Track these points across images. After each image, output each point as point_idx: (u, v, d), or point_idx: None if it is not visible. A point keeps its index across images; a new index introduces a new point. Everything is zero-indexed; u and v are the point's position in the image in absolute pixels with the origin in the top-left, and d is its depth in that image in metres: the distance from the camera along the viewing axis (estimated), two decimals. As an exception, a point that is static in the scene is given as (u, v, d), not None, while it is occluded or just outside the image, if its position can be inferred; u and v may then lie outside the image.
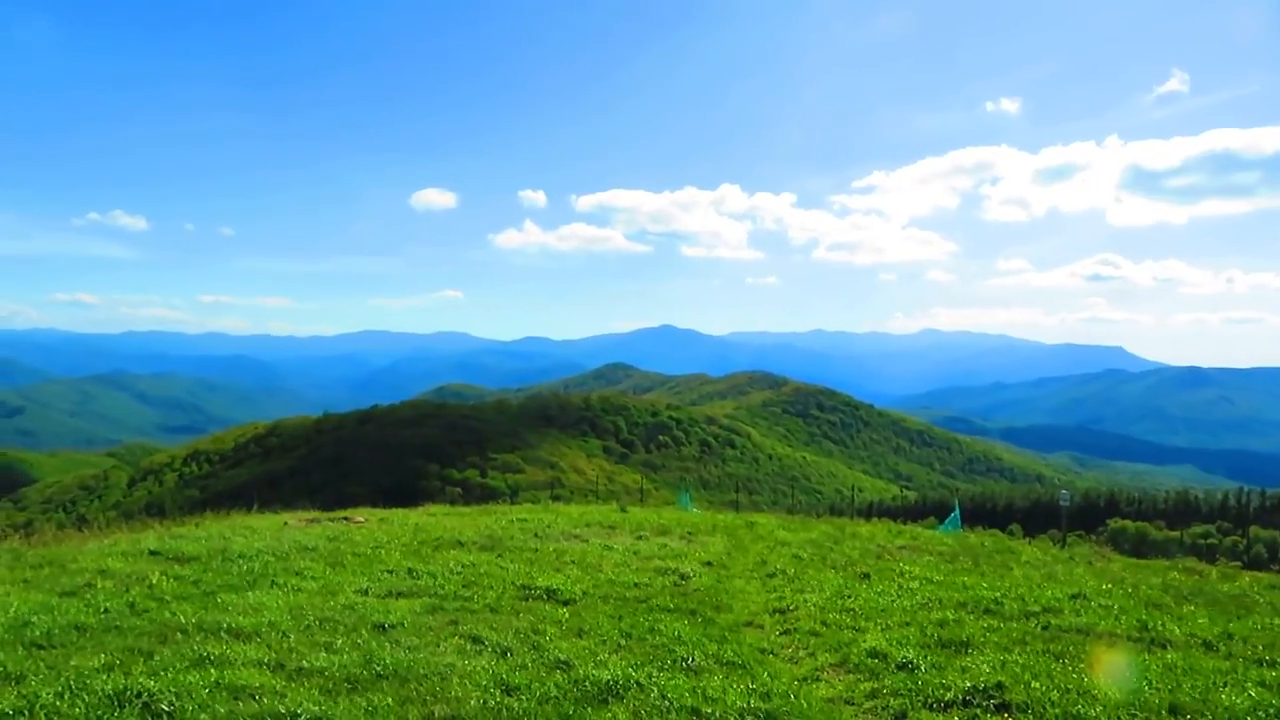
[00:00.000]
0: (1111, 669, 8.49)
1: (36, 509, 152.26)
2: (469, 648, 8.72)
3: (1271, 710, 7.25)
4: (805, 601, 11.84)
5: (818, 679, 8.54)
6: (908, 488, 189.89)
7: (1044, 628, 10.43)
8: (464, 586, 11.66)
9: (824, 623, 10.62)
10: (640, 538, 17.56)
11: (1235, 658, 9.24)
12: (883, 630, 10.12)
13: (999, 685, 7.78)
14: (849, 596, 12.18)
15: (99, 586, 10.94)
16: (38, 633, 8.65)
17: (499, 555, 14.52)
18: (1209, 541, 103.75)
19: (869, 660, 8.86)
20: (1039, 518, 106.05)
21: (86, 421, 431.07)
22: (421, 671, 7.79)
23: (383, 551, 14.34)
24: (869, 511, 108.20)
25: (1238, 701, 7.43)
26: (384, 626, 9.28)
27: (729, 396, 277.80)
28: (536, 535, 17.17)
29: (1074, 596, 12.31)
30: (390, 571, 12.52)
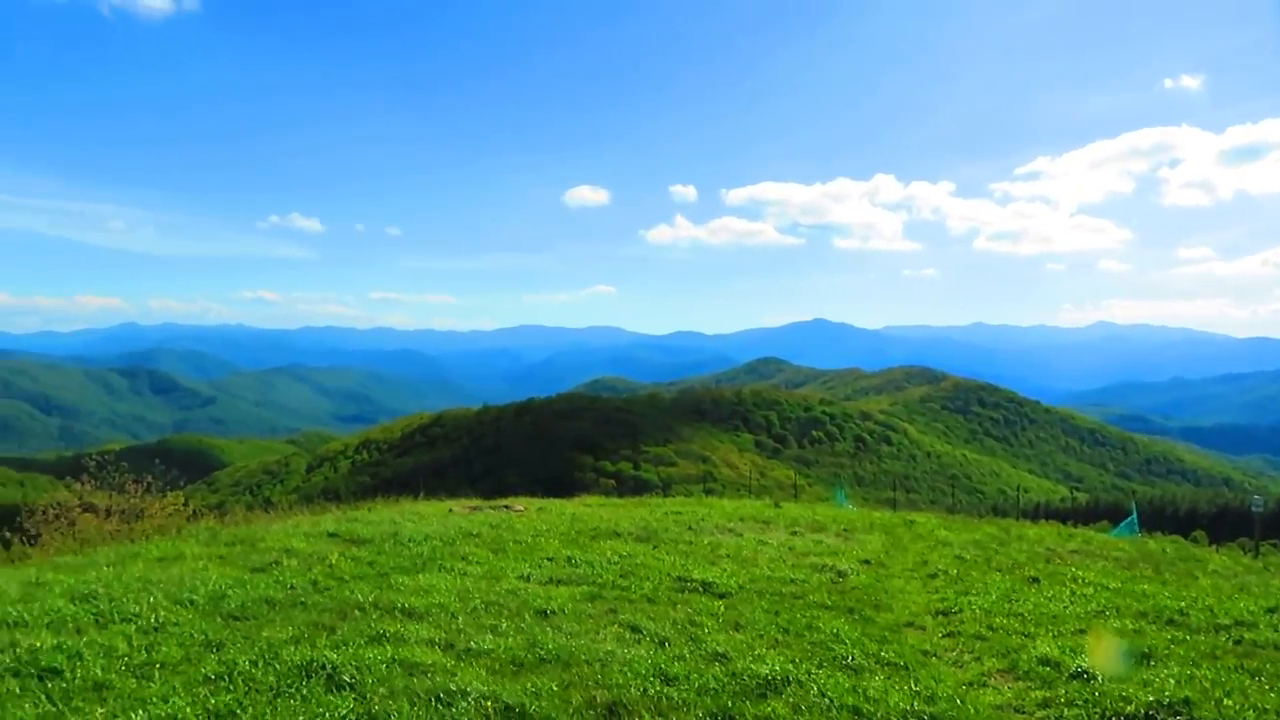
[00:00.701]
0: (1316, 690, 7.82)
1: (227, 491, 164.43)
2: (628, 636, 8.87)
3: None
4: (970, 604, 11.43)
5: (984, 684, 8.23)
6: (1078, 489, 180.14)
7: (1236, 642, 9.71)
8: (621, 576, 11.85)
9: (990, 627, 10.22)
10: (795, 533, 17.38)
11: None
12: (1054, 637, 9.66)
13: (1186, 701, 7.30)
14: (1017, 600, 11.68)
15: (285, 564, 11.74)
16: (233, 605, 9.37)
17: (654, 547, 14.67)
18: None
19: (1040, 668, 8.47)
20: (1227, 525, 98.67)
21: (269, 411, 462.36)
22: (583, 657, 7.98)
23: (542, 539, 14.75)
24: (1035, 513, 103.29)
25: None
26: (545, 612, 9.56)
27: (884, 392, 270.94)
28: (690, 528, 17.24)
29: (1271, 610, 11.38)
30: (550, 559, 12.87)
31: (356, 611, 9.28)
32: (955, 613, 11.02)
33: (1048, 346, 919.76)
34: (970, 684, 8.21)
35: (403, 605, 9.52)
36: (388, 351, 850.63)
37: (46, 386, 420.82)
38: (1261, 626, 10.44)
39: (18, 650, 7.53)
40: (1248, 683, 7.98)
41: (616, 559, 13.14)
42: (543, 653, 8.06)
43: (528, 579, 11.45)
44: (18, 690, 6.73)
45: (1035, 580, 13.35)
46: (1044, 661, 8.62)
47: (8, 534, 17.15)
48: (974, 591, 12.32)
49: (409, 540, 13.86)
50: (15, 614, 8.73)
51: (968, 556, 15.57)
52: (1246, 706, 7.25)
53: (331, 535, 14.27)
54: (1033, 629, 10.11)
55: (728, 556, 14.15)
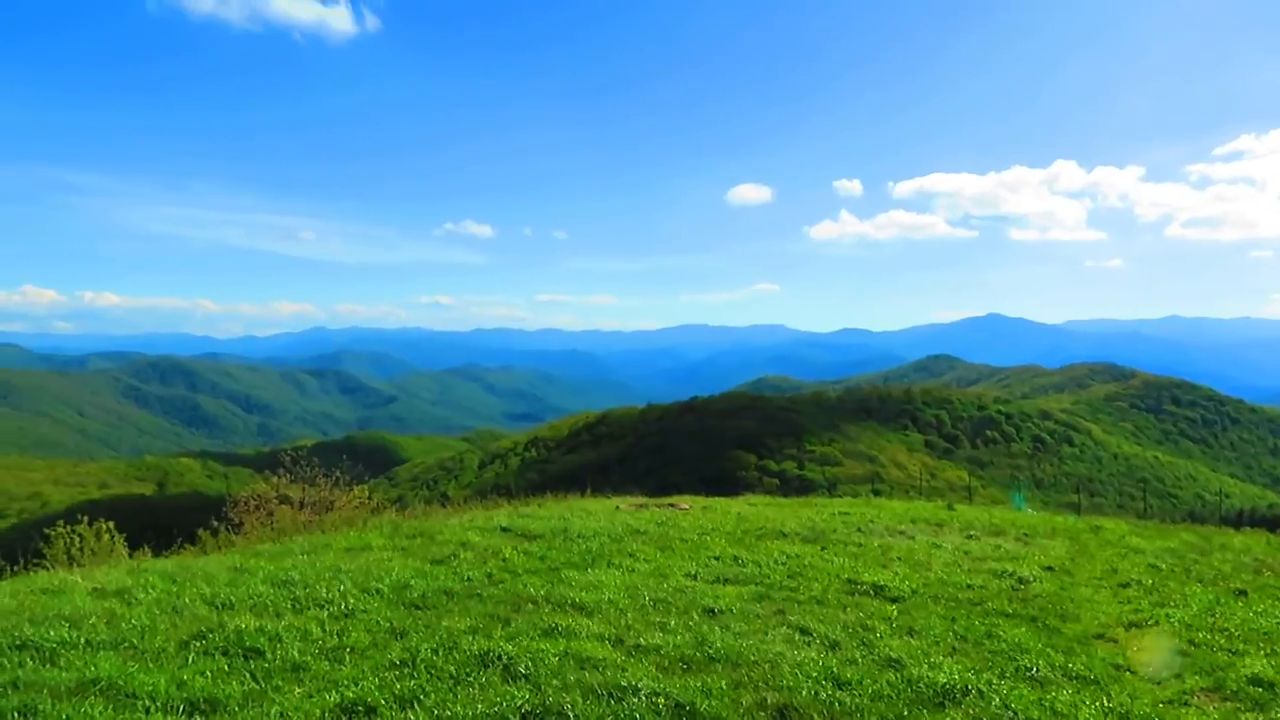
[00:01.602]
0: None
1: (406, 486, 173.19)
2: (797, 638, 8.75)
3: None
4: (1167, 616, 10.65)
5: (1186, 704, 7.64)
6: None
7: None
8: (789, 577, 11.72)
9: (1192, 642, 9.50)
10: (970, 537, 16.70)
11: None
12: (1267, 656, 8.88)
13: None
14: (1221, 614, 10.80)
15: (461, 557, 12.24)
16: (415, 594, 9.85)
17: (822, 548, 14.42)
18: None
19: (1250, 688, 7.80)
20: None
21: (444, 409, 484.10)
22: (752, 658, 7.93)
23: (708, 538, 14.76)
24: (1238, 520, 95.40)
25: None
26: (713, 611, 9.56)
27: (1066, 390, 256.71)
28: (859, 530, 16.85)
29: None
30: (716, 558, 12.86)
31: (529, 605, 9.56)
32: (1150, 625, 10.28)
33: (1253, 341, 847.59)
34: (1170, 702, 7.64)
35: (573, 600, 9.74)
36: (555, 352, 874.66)
37: (247, 386, 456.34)
38: None
39: (226, 631, 8.18)
40: None
41: (784, 559, 12.99)
42: (711, 651, 8.06)
43: (695, 577, 11.48)
44: (226, 669, 7.30)
45: (1242, 593, 12.31)
46: (1254, 681, 7.93)
47: (215, 522, 18.61)
48: (1172, 603, 11.47)
49: (578, 536, 14.17)
50: (224, 596, 9.49)
51: (1163, 566, 14.52)
52: None
53: (504, 530, 14.77)
54: (1241, 646, 9.32)
55: (899, 559, 13.74)
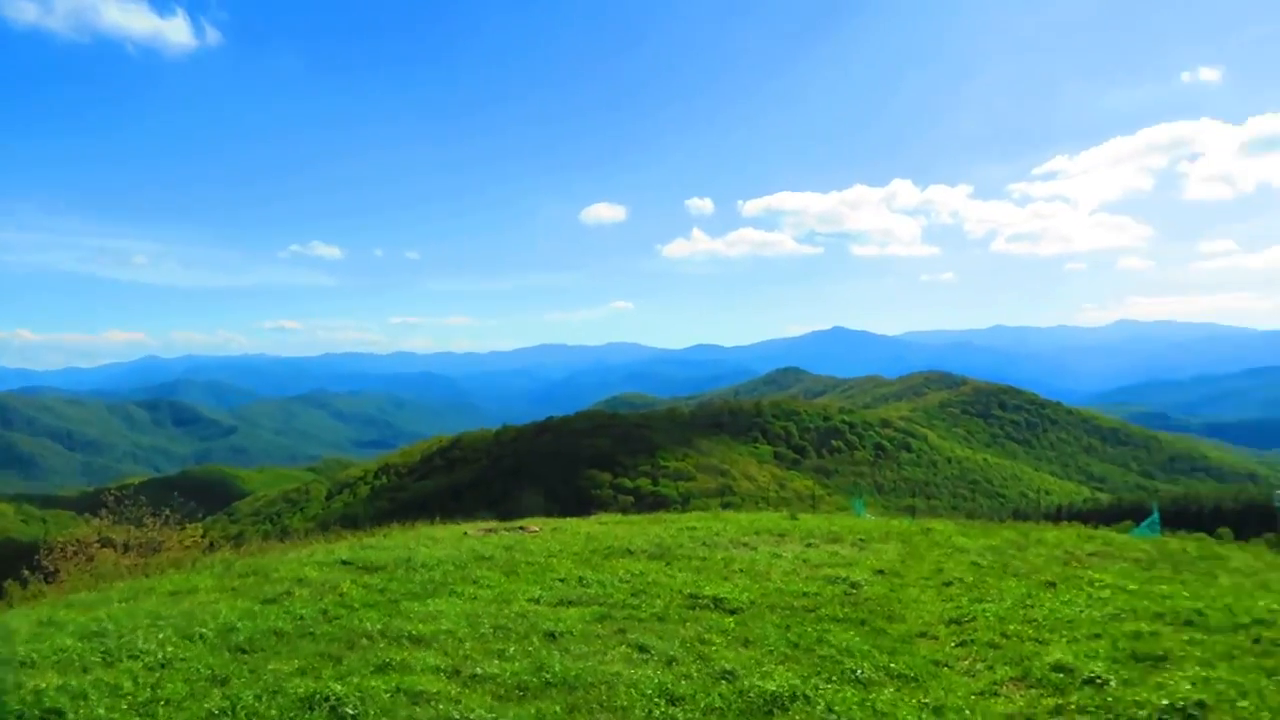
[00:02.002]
0: (1335, 689, 7.70)
1: (247, 521, 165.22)
2: (636, 656, 8.83)
3: None
4: (984, 611, 11.31)
5: (995, 694, 8.13)
6: (1100, 490, 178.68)
7: (1255, 641, 9.55)
8: (632, 595, 11.81)
9: (1004, 634, 10.11)
10: (810, 545, 17.26)
11: None
12: (1069, 642, 9.54)
13: (1200, 704, 7.19)
14: (1032, 606, 11.55)
15: (296, 594, 11.76)
16: (241, 638, 9.39)
17: (668, 564, 14.61)
18: None
19: (1053, 675, 8.37)
20: (1252, 521, 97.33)
21: (290, 439, 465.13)
22: (589, 680, 7.95)
23: (555, 560, 14.71)
24: (1057, 515, 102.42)
25: None
26: (554, 634, 9.53)
27: (904, 398, 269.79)
28: (705, 543, 17.15)
29: (1291, 607, 11.22)
30: (562, 580, 12.84)
31: (364, 640, 9.28)
32: (969, 621, 10.90)
33: (1069, 347, 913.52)
34: (981, 693, 8.12)
35: (411, 632, 9.51)
36: (408, 375, 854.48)
37: (70, 422, 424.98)
38: (1279, 624, 10.28)
39: (23, 692, 7.57)
40: (1264, 683, 7.85)
41: (628, 578, 13.09)
42: (549, 676, 8.03)
43: (538, 601, 11.43)
44: (24, 731, 6.76)
45: (1052, 585, 13.20)
46: (1057, 668, 8.51)
47: (26, 572, 17.27)
48: (989, 598, 12.19)
49: (421, 565, 13.86)
50: (25, 653, 8.78)
51: (984, 563, 15.41)
52: (1263, 708, 7.14)
53: (344, 563, 14.30)
54: (1047, 635, 9.99)
55: (741, 571, 14.08)
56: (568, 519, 23.79)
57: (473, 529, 20.49)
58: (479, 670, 8.19)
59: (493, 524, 22.33)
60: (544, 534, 19.20)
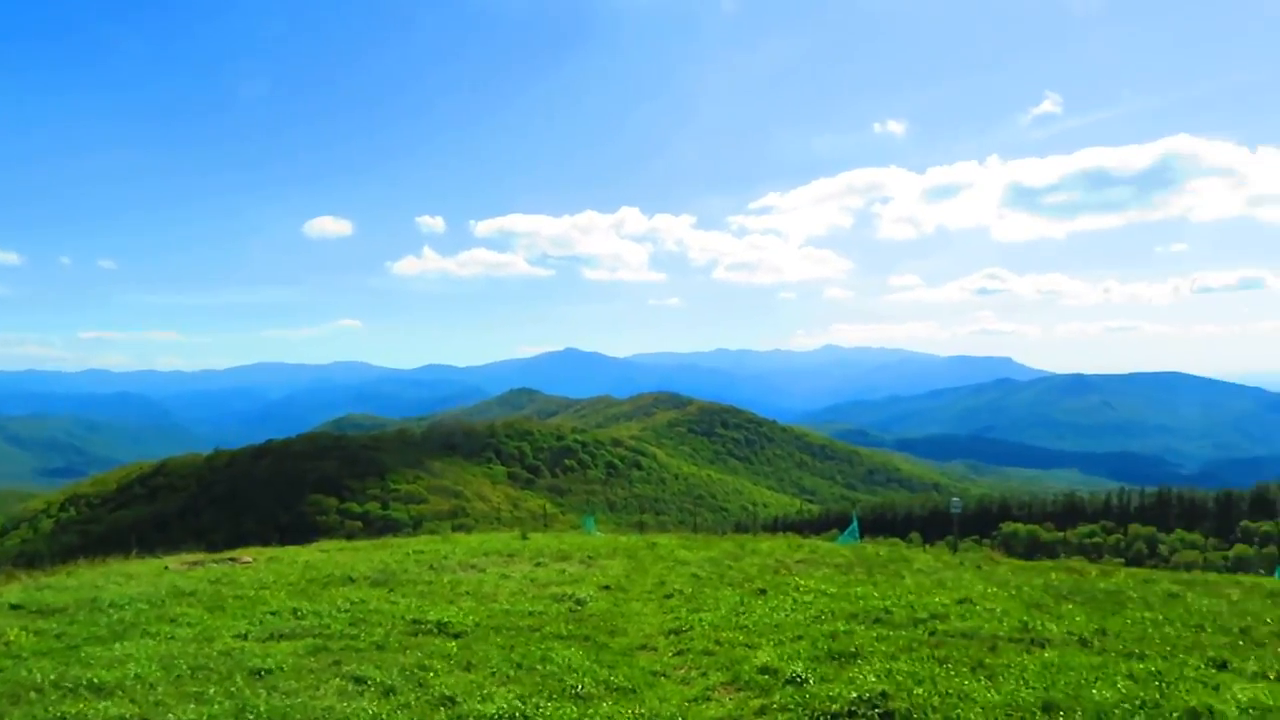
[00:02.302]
0: (992, 671, 8.72)
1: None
2: (351, 689, 8.43)
3: (1138, 702, 7.53)
4: (700, 621, 11.85)
5: (708, 699, 8.52)
6: (811, 501, 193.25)
7: (930, 634, 10.66)
8: (351, 625, 11.30)
9: (718, 641, 10.63)
10: (539, 564, 17.34)
11: (1108, 653, 9.60)
12: (775, 645, 10.18)
13: (883, 694, 7.90)
14: (744, 613, 12.24)
15: (-51, 647, 10.22)
16: (-127, 701, 8.02)
17: (391, 590, 14.14)
18: (1094, 540, 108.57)
19: (759, 677, 8.89)
20: (936, 525, 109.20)
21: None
22: (298, 717, 7.49)
23: (267, 592, 13.80)
24: (774, 526, 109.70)
25: (1107, 696, 7.69)
26: (261, 672, 8.90)
27: (635, 418, 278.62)
28: (432, 567, 16.79)
29: (960, 601, 12.62)
30: (274, 613, 12.05)
31: (33, 693, 8.21)
32: (686, 631, 11.37)
33: (783, 370, 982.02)
34: (694, 700, 8.47)
35: (92, 680, 8.53)
36: (102, 396, 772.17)
37: None
38: (952, 617, 11.55)
39: None
40: (937, 670, 8.76)
41: (348, 606, 12.52)
42: (253, 716, 7.49)
43: (245, 637, 10.65)
44: None
45: (763, 592, 14.06)
46: (763, 670, 9.05)
47: None
48: (705, 608, 12.79)
49: (109, 605, 12.50)
50: None
51: (703, 574, 16.15)
52: (934, 693, 7.95)
53: (14, 607, 12.62)
54: (756, 639, 10.61)
55: (468, 594, 13.88)
56: (287, 548, 22.46)
57: (175, 562, 18.82)
58: (171, 716, 7.50)
59: (199, 556, 20.62)
60: (258, 565, 17.99)
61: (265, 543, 30.03)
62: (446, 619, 11.59)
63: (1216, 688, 8.03)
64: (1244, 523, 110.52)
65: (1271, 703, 7.41)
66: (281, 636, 10.68)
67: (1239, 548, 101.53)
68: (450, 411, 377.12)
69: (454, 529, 47.46)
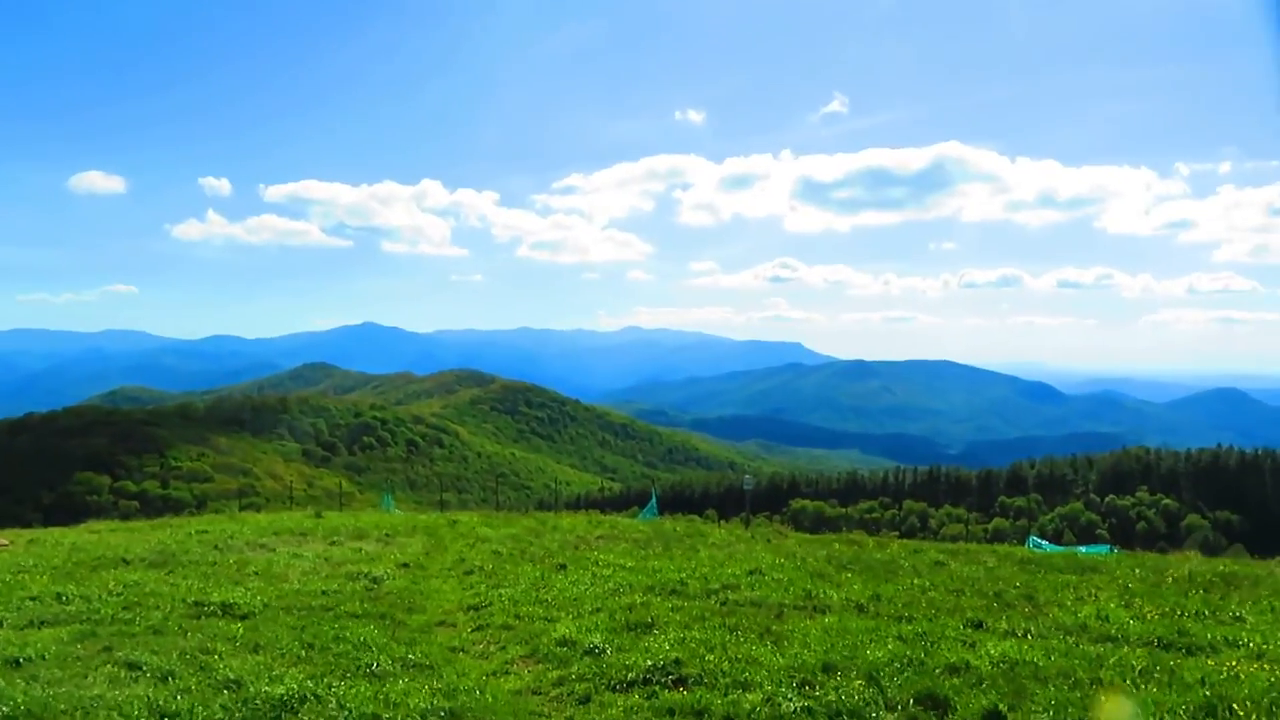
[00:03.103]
0: (778, 636, 9.22)
1: None
2: (124, 675, 7.88)
3: (906, 660, 8.18)
4: (500, 596, 11.85)
5: (507, 672, 8.55)
6: (612, 479, 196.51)
7: (722, 604, 11.12)
8: (124, 609, 10.54)
9: (518, 616, 10.67)
10: (334, 543, 16.82)
11: (881, 617, 10.35)
12: (574, 619, 10.33)
13: (677, 661, 8.18)
14: (544, 588, 12.34)
15: None
16: None
17: (170, 572, 13.31)
18: (873, 516, 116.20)
19: (558, 649, 8.99)
20: (731, 502, 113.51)
21: None
22: (61, 708, 6.92)
23: (26, 577, 12.66)
24: (576, 504, 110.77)
25: (879, 655, 8.30)
26: (18, 661, 8.16)
27: (436, 395, 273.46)
28: (217, 547, 15.95)
29: (751, 572, 13.23)
30: (34, 598, 11.07)
31: None
32: (486, 606, 11.35)
33: (586, 349, 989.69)
34: (493, 673, 8.48)
35: None
36: None
37: None
38: (742, 587, 12.10)
39: None
40: (728, 638, 9.16)
41: (121, 590, 11.68)
42: (8, 709, 6.85)
43: (0, 625, 9.73)
44: None
45: (563, 567, 14.21)
46: (562, 643, 9.16)
47: None
48: (506, 584, 12.80)
49: None
50: None
51: (504, 550, 16.14)
52: (724, 658, 8.31)
53: None
54: (555, 613, 10.72)
55: (256, 574, 13.26)
56: (51, 530, 20.76)
57: (-87, 547, 16.92)
58: (-91, 714, 6.76)
59: (-57, 540, 18.64)
60: (15, 547, 16.50)
61: (24, 525, 27.49)
62: (232, 600, 11.03)
63: (973, 645, 8.81)
64: (1001, 498, 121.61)
65: (1018, 657, 8.22)
66: (43, 623, 9.83)
67: (997, 521, 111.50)
68: (239, 385, 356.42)
69: (242, 508, 44.96)
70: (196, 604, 10.87)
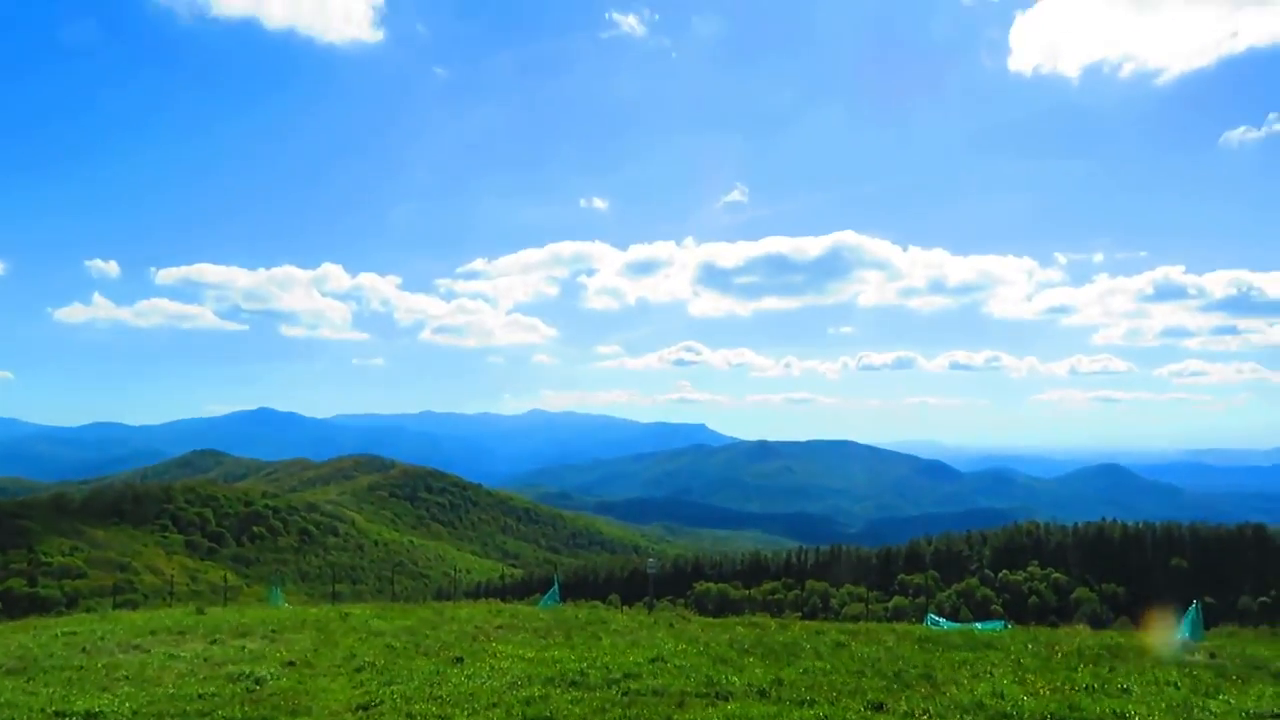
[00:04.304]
0: (680, 727, 9.03)
1: None
2: (-33, 798, 7.21)
3: (807, 747, 8.08)
4: (392, 694, 11.33)
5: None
6: (514, 565, 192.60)
7: (624, 694, 10.87)
8: (-27, 723, 9.72)
9: (410, 715, 10.22)
10: (215, 641, 15.93)
11: (783, 701, 10.26)
12: (469, 715, 9.96)
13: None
14: (439, 683, 11.87)
15: None
16: None
17: (29, 679, 12.36)
18: (776, 597, 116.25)
19: (452, 748, 8.61)
20: (635, 586, 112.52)
21: None
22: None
23: None
24: (476, 592, 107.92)
25: (781, 743, 8.19)
26: None
27: (333, 481, 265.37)
28: (85, 650, 14.93)
29: (653, 660, 13.01)
30: None
31: None
32: (376, 705, 10.83)
33: (491, 433, 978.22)
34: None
35: None
36: None
37: None
38: (644, 676, 11.86)
39: None
40: (628, 730, 8.92)
41: (-30, 701, 10.76)
42: None
43: None
44: None
45: (460, 660, 13.72)
46: (456, 741, 8.77)
47: None
48: (398, 680, 12.26)
49: None
50: None
51: (398, 644, 15.53)
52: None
53: None
54: (450, 710, 10.31)
55: (126, 679, 12.41)
56: (-107, 635, 19.08)
57: None
58: None
59: None
60: None
61: None
62: (97, 709, 10.29)
63: (873, 728, 8.79)
64: (900, 576, 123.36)
65: (917, 738, 8.22)
66: (-122, 742, 8.98)
67: (896, 599, 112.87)
68: (120, 474, 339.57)
69: (116, 606, 42.44)
70: (58, 714, 10.10)
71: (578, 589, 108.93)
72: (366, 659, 14.02)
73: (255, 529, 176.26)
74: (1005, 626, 20.76)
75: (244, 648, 15.21)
